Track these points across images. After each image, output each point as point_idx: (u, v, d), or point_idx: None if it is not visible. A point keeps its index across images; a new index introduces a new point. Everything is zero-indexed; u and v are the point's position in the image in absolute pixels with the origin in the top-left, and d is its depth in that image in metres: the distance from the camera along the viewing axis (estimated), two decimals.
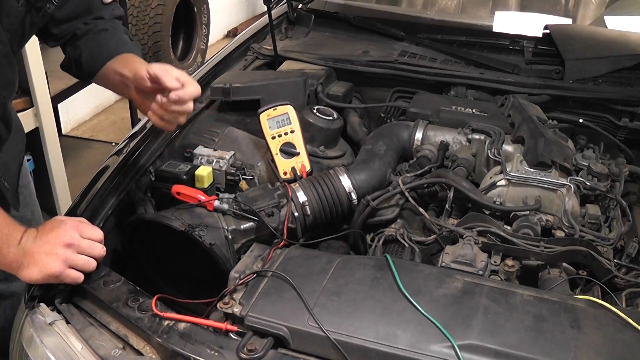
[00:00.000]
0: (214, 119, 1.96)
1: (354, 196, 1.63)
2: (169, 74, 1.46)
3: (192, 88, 1.49)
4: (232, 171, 1.72)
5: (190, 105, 1.50)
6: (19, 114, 1.87)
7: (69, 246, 1.31)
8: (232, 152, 1.76)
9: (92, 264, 1.35)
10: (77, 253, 1.33)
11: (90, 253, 1.35)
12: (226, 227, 1.51)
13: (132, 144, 1.74)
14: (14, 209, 1.73)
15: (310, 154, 1.75)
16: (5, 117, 1.60)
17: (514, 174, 1.62)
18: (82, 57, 1.65)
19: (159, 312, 1.26)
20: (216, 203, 1.53)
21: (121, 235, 1.60)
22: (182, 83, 1.47)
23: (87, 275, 1.35)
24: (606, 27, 2.45)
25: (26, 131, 1.94)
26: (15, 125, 1.74)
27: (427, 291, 1.25)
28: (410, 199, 1.63)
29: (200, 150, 1.76)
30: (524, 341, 1.14)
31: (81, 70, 1.68)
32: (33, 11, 1.48)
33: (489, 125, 1.82)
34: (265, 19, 2.42)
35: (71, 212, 1.54)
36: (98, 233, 1.38)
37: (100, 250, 1.37)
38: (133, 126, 2.89)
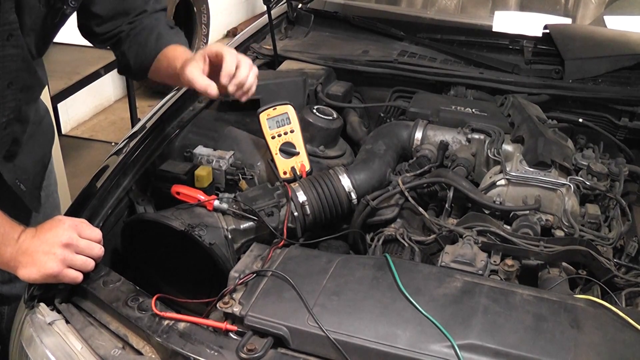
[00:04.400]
0: (214, 118, 1.96)
1: (353, 196, 1.63)
2: (228, 57, 1.50)
3: (245, 70, 1.53)
4: (232, 171, 1.72)
5: (249, 81, 1.55)
6: None
7: (67, 246, 1.31)
8: (232, 152, 1.76)
9: (90, 264, 1.35)
10: (76, 253, 1.33)
11: (88, 253, 1.35)
12: (226, 227, 1.51)
13: (131, 144, 1.74)
14: (34, 211, 1.75)
15: (310, 154, 1.75)
16: (21, 119, 1.61)
17: (513, 174, 1.62)
18: (131, 62, 1.72)
19: (158, 312, 1.26)
20: (216, 203, 1.53)
21: (121, 235, 1.60)
22: (236, 65, 1.51)
23: (86, 275, 1.35)
24: (606, 26, 2.45)
25: None
26: (42, 128, 1.77)
27: (426, 291, 1.25)
28: (410, 198, 1.63)
29: (199, 149, 1.76)
30: (523, 341, 1.14)
31: (134, 73, 1.77)
32: (52, 12, 1.49)
33: (488, 125, 1.82)
34: (264, 18, 2.42)
35: (71, 212, 1.53)
36: (97, 233, 1.38)
37: (99, 250, 1.37)
38: (132, 126, 2.89)
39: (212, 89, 1.49)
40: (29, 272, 1.29)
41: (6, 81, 1.48)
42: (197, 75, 1.49)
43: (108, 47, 1.77)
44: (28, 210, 1.72)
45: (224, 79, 1.50)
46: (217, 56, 1.52)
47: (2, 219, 1.32)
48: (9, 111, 1.54)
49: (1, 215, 1.33)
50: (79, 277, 1.33)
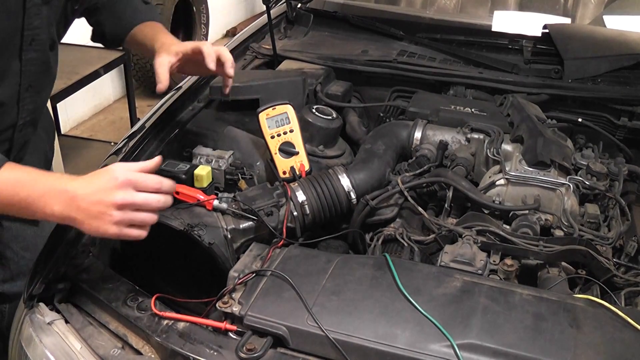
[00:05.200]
0: (213, 118, 1.95)
1: (353, 195, 1.63)
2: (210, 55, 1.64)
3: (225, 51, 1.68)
4: (231, 170, 1.72)
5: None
6: None
7: (122, 207, 1.20)
8: (231, 152, 1.76)
9: (151, 218, 1.24)
10: (134, 211, 1.22)
11: (148, 208, 1.23)
12: (225, 227, 1.51)
13: (130, 144, 1.74)
14: None
15: (309, 154, 1.74)
16: (34, 122, 1.65)
17: (513, 174, 1.62)
18: (105, 31, 1.82)
19: (158, 312, 1.26)
20: (215, 202, 1.53)
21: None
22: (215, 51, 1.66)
23: (86, 274, 1.35)
24: (605, 26, 2.45)
25: None
26: (43, 123, 1.80)
27: (426, 290, 1.25)
28: (409, 198, 1.63)
29: (199, 149, 1.76)
30: (523, 340, 1.14)
31: (107, 41, 1.87)
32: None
33: (488, 124, 1.82)
34: (264, 18, 2.43)
35: None
36: (154, 182, 1.24)
37: (157, 202, 1.24)
38: (132, 126, 2.89)
39: (162, 85, 1.60)
40: (87, 230, 1.22)
41: (26, 84, 1.53)
42: (162, 67, 1.61)
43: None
44: None
45: (210, 64, 1.63)
46: (193, 52, 1.65)
47: (43, 175, 1.24)
48: (26, 113, 1.58)
49: (41, 172, 1.25)
50: (142, 234, 1.25)
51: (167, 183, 1.26)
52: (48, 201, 1.19)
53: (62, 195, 1.19)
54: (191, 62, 1.68)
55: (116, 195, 1.19)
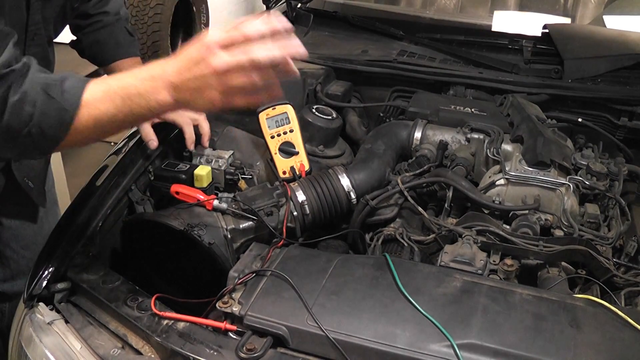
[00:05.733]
0: (213, 118, 1.95)
1: (353, 195, 1.63)
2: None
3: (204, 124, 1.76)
4: (231, 170, 1.72)
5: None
6: None
7: (225, 73, 1.06)
8: (231, 152, 1.76)
9: (265, 75, 1.08)
10: (243, 72, 1.06)
11: (257, 64, 1.06)
12: (225, 227, 1.51)
13: (130, 144, 1.74)
14: (41, 206, 1.79)
15: (309, 153, 1.75)
16: None
17: (513, 173, 1.62)
18: (85, 52, 1.81)
19: (158, 312, 1.26)
20: (215, 202, 1.53)
21: (120, 235, 1.60)
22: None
23: (85, 274, 1.35)
24: (605, 26, 2.45)
25: None
26: None
27: (426, 290, 1.25)
28: (409, 198, 1.63)
29: (199, 149, 1.76)
30: (523, 340, 1.14)
31: (86, 58, 1.84)
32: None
33: (488, 124, 1.82)
34: None
35: (70, 212, 1.53)
36: (255, 28, 1.06)
37: (269, 51, 1.06)
38: None
39: (154, 143, 1.66)
40: (199, 109, 1.25)
41: None
42: (147, 128, 1.66)
43: None
44: (34, 205, 1.73)
45: (190, 146, 1.72)
46: (174, 121, 1.71)
47: (138, 70, 1.15)
48: None
49: (132, 69, 1.16)
50: (256, 99, 1.12)
51: (276, 22, 1.06)
52: (154, 93, 1.10)
53: (162, 81, 1.10)
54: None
55: (212, 62, 1.05)
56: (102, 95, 1.13)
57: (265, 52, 1.06)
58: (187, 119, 1.72)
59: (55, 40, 1.68)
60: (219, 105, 1.10)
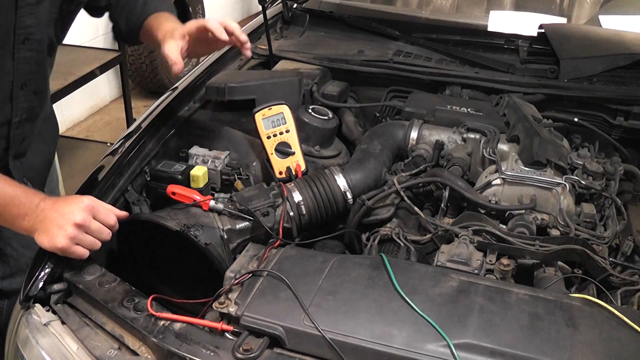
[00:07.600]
0: (209, 118, 1.95)
1: (349, 195, 1.63)
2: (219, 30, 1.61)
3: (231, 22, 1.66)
4: (228, 171, 1.71)
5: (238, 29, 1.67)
6: None
7: (79, 226, 1.34)
8: (228, 152, 1.75)
9: (96, 244, 1.39)
10: (86, 233, 1.36)
11: (97, 236, 1.38)
12: (222, 227, 1.51)
13: (127, 144, 1.74)
14: None
15: (305, 154, 1.74)
16: (32, 119, 1.66)
17: (509, 173, 1.62)
18: (121, 28, 1.83)
19: (154, 312, 1.26)
20: (211, 203, 1.53)
21: (116, 236, 1.59)
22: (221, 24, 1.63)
23: (84, 274, 1.36)
24: (601, 26, 2.46)
25: None
26: (48, 126, 1.82)
27: (422, 290, 1.26)
28: (405, 198, 1.63)
29: (195, 150, 1.76)
30: (519, 340, 1.14)
31: (126, 38, 1.88)
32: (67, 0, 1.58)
33: (484, 124, 1.83)
34: (260, 18, 2.42)
35: None
36: (110, 219, 1.41)
37: (107, 235, 1.40)
38: (128, 126, 2.89)
39: (177, 66, 1.59)
40: (41, 239, 1.35)
41: (20, 82, 1.54)
42: (171, 51, 1.60)
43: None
44: None
45: (222, 35, 1.61)
46: (198, 31, 1.63)
47: (22, 190, 1.38)
48: (22, 111, 1.60)
49: (21, 187, 1.39)
50: (85, 254, 1.37)
51: (116, 227, 1.42)
52: (24, 217, 1.36)
53: (34, 211, 1.36)
54: (198, 42, 1.67)
55: (77, 215, 1.34)
56: None
57: (106, 233, 1.40)
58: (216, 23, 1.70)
59: None
60: (57, 245, 1.34)
